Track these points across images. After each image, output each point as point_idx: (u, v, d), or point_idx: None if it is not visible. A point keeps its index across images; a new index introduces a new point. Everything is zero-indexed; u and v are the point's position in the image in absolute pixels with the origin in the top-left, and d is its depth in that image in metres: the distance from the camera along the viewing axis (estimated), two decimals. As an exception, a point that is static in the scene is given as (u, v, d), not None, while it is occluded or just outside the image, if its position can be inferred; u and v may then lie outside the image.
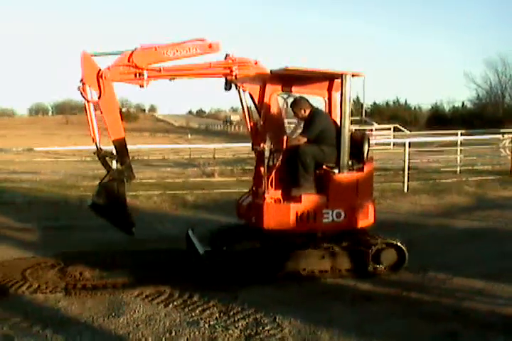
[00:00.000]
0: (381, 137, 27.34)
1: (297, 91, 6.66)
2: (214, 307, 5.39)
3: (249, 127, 6.69)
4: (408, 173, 13.01)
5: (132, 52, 6.03)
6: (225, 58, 6.38)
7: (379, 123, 33.62)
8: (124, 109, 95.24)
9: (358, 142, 6.58)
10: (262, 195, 6.33)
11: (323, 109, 6.71)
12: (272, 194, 6.31)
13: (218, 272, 6.03)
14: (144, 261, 6.97)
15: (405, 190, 12.87)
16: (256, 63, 6.43)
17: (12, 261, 7.09)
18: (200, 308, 5.38)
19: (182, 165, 18.38)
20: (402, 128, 30.41)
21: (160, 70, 6.18)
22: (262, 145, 6.47)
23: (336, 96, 6.61)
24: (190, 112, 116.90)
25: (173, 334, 4.81)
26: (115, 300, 5.62)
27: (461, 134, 19.91)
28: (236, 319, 5.12)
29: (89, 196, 11.70)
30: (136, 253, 7.29)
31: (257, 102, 6.55)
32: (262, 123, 6.58)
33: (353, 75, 6.30)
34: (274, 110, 6.55)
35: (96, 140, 6.11)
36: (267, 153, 6.39)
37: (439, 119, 51.86)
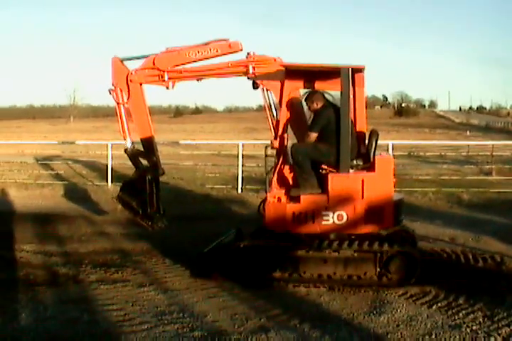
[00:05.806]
0: None
1: (319, 87, 6.37)
2: (479, 311, 5.12)
3: (271, 125, 6.63)
4: None
5: (156, 55, 6.47)
6: (247, 57, 6.43)
7: None
8: (403, 104, 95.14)
9: (365, 140, 6.05)
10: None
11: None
12: (276, 193, 6.18)
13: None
14: None
15: None
16: (275, 60, 6.35)
17: None
18: (464, 311, 5.15)
19: (459, 163, 17.40)
20: None
21: (181, 72, 6.51)
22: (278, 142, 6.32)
23: (360, 91, 6.17)
24: (470, 108, 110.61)
25: (433, 336, 4.63)
26: (378, 298, 5.53)
27: None
28: (500, 325, 4.83)
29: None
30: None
31: (277, 99, 6.45)
32: (282, 120, 6.46)
33: (352, 69, 5.81)
34: (296, 107, 6.37)
35: (126, 138, 6.71)
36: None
37: None
